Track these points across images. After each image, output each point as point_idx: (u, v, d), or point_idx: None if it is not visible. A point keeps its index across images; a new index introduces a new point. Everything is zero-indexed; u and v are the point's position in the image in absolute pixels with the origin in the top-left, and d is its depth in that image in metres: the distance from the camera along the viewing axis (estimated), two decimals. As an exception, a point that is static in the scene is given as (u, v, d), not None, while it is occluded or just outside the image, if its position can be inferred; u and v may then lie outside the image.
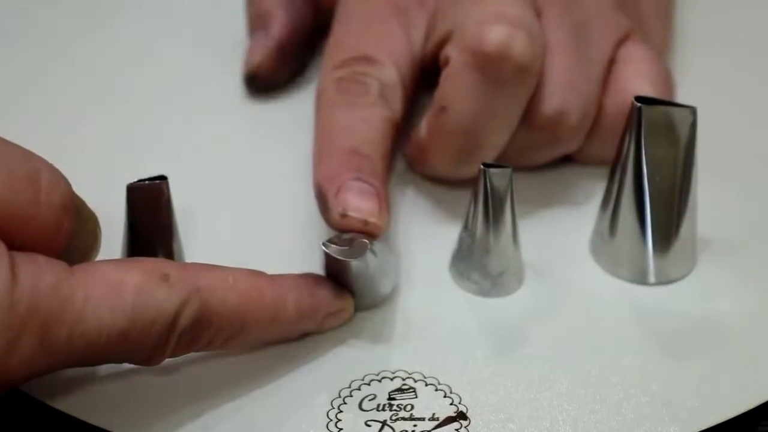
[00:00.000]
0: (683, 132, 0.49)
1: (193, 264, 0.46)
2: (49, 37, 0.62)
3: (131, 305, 0.43)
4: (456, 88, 0.51)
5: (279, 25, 0.58)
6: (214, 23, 0.63)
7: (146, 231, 0.48)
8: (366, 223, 0.48)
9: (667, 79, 0.55)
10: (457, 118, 0.51)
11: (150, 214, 0.48)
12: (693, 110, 0.48)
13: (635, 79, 0.54)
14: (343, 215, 0.48)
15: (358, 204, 0.48)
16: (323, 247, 0.47)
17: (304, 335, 0.49)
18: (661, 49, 0.58)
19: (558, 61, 0.52)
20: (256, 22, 0.59)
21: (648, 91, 0.53)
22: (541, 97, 0.52)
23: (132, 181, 0.47)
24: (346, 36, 0.55)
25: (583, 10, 0.54)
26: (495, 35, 0.50)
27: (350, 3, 0.56)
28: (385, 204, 0.49)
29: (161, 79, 0.60)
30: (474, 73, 0.50)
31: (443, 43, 0.52)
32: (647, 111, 0.48)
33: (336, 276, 0.48)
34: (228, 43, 0.61)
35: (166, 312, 0.43)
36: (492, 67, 0.50)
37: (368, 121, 0.52)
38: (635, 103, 0.49)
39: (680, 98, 0.49)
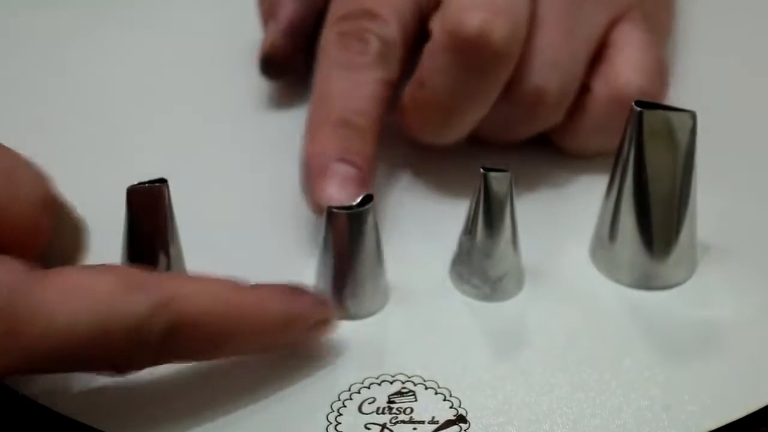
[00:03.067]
0: (683, 137, 0.49)
1: (171, 273, 0.46)
2: (49, 38, 0.62)
3: (100, 309, 0.42)
4: (433, 66, 0.52)
5: (288, 9, 0.58)
6: (224, 27, 0.63)
7: (146, 234, 0.48)
8: None
9: (659, 70, 0.54)
10: (432, 94, 0.52)
11: (150, 217, 0.47)
12: (693, 115, 0.48)
13: (626, 69, 0.54)
14: (317, 204, 0.50)
15: (338, 197, 0.50)
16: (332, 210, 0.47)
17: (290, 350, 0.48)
18: (662, 33, 0.58)
19: (544, 37, 0.52)
20: (267, 13, 0.59)
21: (638, 83, 0.53)
22: (522, 73, 0.52)
23: (132, 184, 0.47)
24: None
25: None
26: (474, 21, 0.50)
27: None
28: (367, 186, 0.50)
29: (167, 82, 0.60)
30: (451, 55, 0.51)
31: (437, 6, 0.52)
32: (647, 116, 0.48)
33: (341, 246, 0.48)
34: (237, 47, 0.61)
35: (136, 317, 0.42)
36: (468, 53, 0.50)
37: (363, 86, 0.52)
38: (635, 107, 0.48)
39: (679, 101, 0.49)
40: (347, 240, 0.48)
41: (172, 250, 0.48)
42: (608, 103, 0.53)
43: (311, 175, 0.51)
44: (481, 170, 0.48)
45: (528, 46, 0.52)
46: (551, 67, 0.52)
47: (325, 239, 0.49)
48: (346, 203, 0.48)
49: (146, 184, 0.47)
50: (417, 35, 0.54)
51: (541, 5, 0.53)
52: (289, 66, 0.58)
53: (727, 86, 0.61)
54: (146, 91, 0.60)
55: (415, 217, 0.54)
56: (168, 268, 0.48)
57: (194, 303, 0.44)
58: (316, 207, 0.50)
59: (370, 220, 0.48)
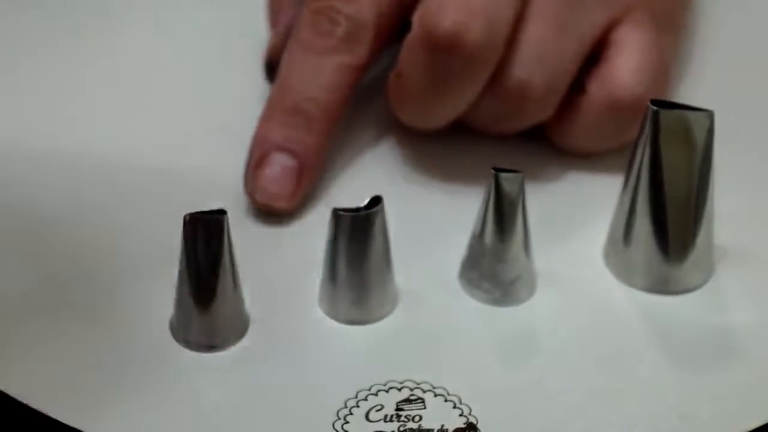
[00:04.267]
0: (700, 137, 0.48)
1: None
2: (49, 38, 0.62)
3: None
4: (410, 59, 0.53)
5: (289, 15, 0.58)
6: (233, 27, 0.63)
7: (203, 263, 0.47)
8: (270, 206, 0.52)
9: (658, 73, 0.54)
10: (408, 86, 0.53)
11: (208, 246, 0.47)
12: (710, 114, 0.48)
13: (623, 72, 0.53)
14: (252, 194, 0.52)
15: (271, 188, 0.52)
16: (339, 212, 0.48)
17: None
18: (675, 32, 0.58)
19: (533, 32, 0.53)
20: (272, 18, 0.60)
21: (634, 87, 0.53)
22: (507, 67, 0.52)
23: (191, 212, 0.46)
24: None
25: None
26: (448, 22, 0.51)
27: None
28: (305, 179, 0.52)
29: (173, 83, 0.60)
30: (425, 52, 0.52)
31: None
32: (663, 115, 0.48)
33: (347, 250, 0.48)
34: (246, 47, 0.61)
35: None
36: (442, 53, 0.51)
37: (323, 72, 0.53)
38: (651, 107, 0.48)
39: (696, 100, 0.49)
40: (354, 243, 0.48)
41: (229, 283, 0.48)
42: (603, 105, 0.53)
43: (250, 162, 0.53)
44: (492, 171, 0.48)
45: (515, 40, 0.52)
46: (537, 61, 0.52)
47: (332, 242, 0.48)
48: (272, 196, 0.49)
49: (205, 213, 0.46)
50: (397, 21, 0.54)
51: (530, 5, 0.53)
52: None
53: (745, 85, 0.60)
54: (149, 92, 0.60)
55: (424, 220, 0.54)
56: (225, 298, 0.48)
57: None
58: (250, 197, 0.52)
59: (378, 222, 0.48)
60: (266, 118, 0.53)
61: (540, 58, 0.52)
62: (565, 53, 0.53)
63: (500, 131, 0.55)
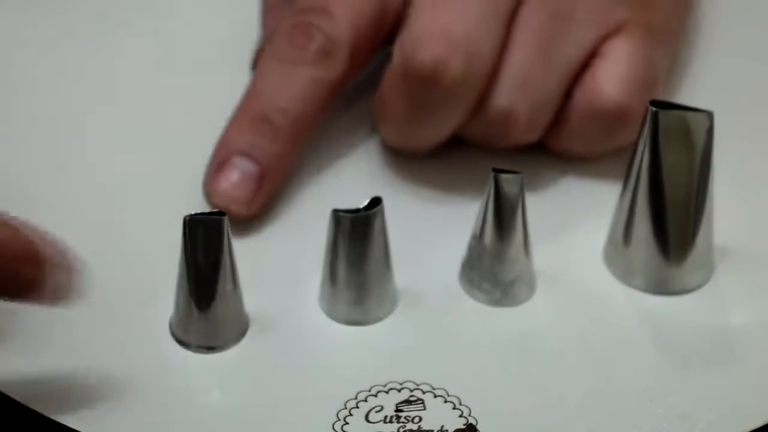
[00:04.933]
0: (699, 137, 0.48)
1: None
2: (49, 38, 0.62)
3: None
4: (390, 89, 0.53)
5: (278, 17, 0.58)
6: (229, 27, 0.62)
7: (203, 265, 0.47)
8: (227, 209, 0.49)
9: (642, 84, 0.53)
10: (390, 114, 0.53)
11: (207, 248, 0.47)
12: (709, 115, 0.48)
13: (606, 82, 0.53)
14: (209, 195, 0.52)
15: (229, 191, 0.51)
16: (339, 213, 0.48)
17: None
18: (671, 40, 0.57)
19: (517, 58, 0.52)
20: (264, 22, 0.59)
21: (616, 97, 0.53)
22: (490, 94, 0.52)
23: (190, 214, 0.46)
24: None
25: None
26: (427, 57, 0.51)
27: None
28: (266, 185, 0.52)
29: (170, 83, 0.60)
30: (404, 84, 0.52)
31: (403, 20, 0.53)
32: (663, 116, 0.48)
33: (347, 251, 0.48)
34: (241, 47, 0.60)
35: None
36: (420, 87, 0.51)
37: (294, 84, 0.53)
38: (651, 107, 0.48)
39: (696, 102, 0.49)
40: (353, 244, 0.48)
41: (229, 284, 0.48)
42: (586, 114, 0.53)
43: (211, 164, 0.52)
44: (492, 172, 0.48)
45: (498, 67, 0.52)
46: (520, 90, 0.52)
47: (332, 243, 0.48)
48: (230, 199, 0.49)
49: (205, 214, 0.46)
50: (376, 40, 0.54)
51: (520, 24, 0.53)
52: None
53: (745, 86, 0.60)
54: (147, 92, 0.59)
55: (424, 221, 0.54)
56: (225, 299, 0.48)
57: None
58: (207, 198, 0.52)
59: (377, 224, 0.48)
60: (233, 123, 0.53)
61: (523, 85, 0.52)
62: (550, 78, 0.53)
63: (490, 148, 0.55)
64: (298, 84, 0.53)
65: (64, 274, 0.44)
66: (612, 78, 0.53)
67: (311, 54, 0.53)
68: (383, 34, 0.54)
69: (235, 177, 0.52)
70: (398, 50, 0.52)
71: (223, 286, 0.48)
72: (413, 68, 0.51)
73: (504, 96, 0.52)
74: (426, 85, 0.51)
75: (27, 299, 0.44)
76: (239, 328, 0.49)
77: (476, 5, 0.52)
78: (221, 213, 0.46)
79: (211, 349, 0.48)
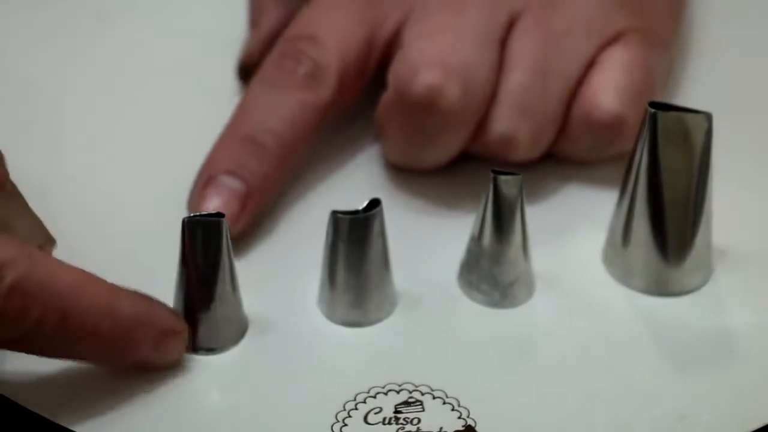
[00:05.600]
0: (698, 138, 0.48)
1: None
2: (49, 38, 0.62)
3: None
4: (386, 117, 0.53)
5: (270, 18, 0.58)
6: (209, 23, 0.63)
7: (201, 267, 0.47)
8: None
9: (639, 93, 0.53)
10: (389, 140, 0.54)
11: (206, 249, 0.47)
12: (708, 116, 0.48)
13: (601, 91, 0.53)
14: (195, 213, 0.50)
15: (214, 209, 0.50)
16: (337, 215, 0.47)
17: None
18: (668, 43, 0.57)
19: (514, 80, 0.52)
20: (252, 17, 0.60)
21: (610, 107, 0.52)
22: (490, 119, 0.52)
23: (189, 215, 0.47)
24: (306, 15, 0.55)
25: (568, 13, 0.53)
26: (422, 86, 0.51)
27: None
28: (252, 204, 0.51)
29: (157, 80, 0.60)
30: (400, 113, 0.52)
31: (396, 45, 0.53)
32: (662, 117, 0.48)
33: (345, 253, 0.48)
34: (227, 43, 0.60)
35: None
36: (416, 115, 0.51)
37: (282, 106, 0.53)
38: (649, 109, 0.48)
39: (694, 103, 0.49)
40: (352, 246, 0.48)
41: (228, 285, 0.48)
42: (582, 123, 0.53)
43: (198, 181, 0.52)
44: (491, 173, 0.48)
45: (497, 90, 0.52)
46: (520, 113, 0.52)
47: (331, 244, 0.48)
48: (227, 216, 0.48)
49: (204, 216, 0.46)
50: (366, 67, 0.54)
51: (515, 45, 0.52)
52: None
53: (743, 87, 0.60)
54: (141, 89, 0.60)
55: (423, 222, 0.54)
56: (223, 300, 0.48)
57: (50, 268, 0.44)
58: (189, 211, 0.51)
59: (376, 225, 0.48)
60: (220, 143, 0.53)
61: (523, 109, 0.52)
62: (549, 99, 0.52)
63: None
64: (286, 107, 0.53)
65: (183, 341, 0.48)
66: (609, 88, 0.53)
67: (299, 78, 0.53)
68: (373, 63, 0.54)
69: (221, 195, 0.51)
70: (393, 79, 0.52)
71: (222, 287, 0.48)
72: (408, 97, 0.51)
73: (504, 121, 0.52)
74: (422, 114, 0.51)
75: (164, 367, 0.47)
76: (238, 330, 0.49)
77: (469, 30, 0.52)
78: (220, 215, 0.46)
79: (210, 350, 0.48)
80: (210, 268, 0.47)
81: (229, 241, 0.47)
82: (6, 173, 0.47)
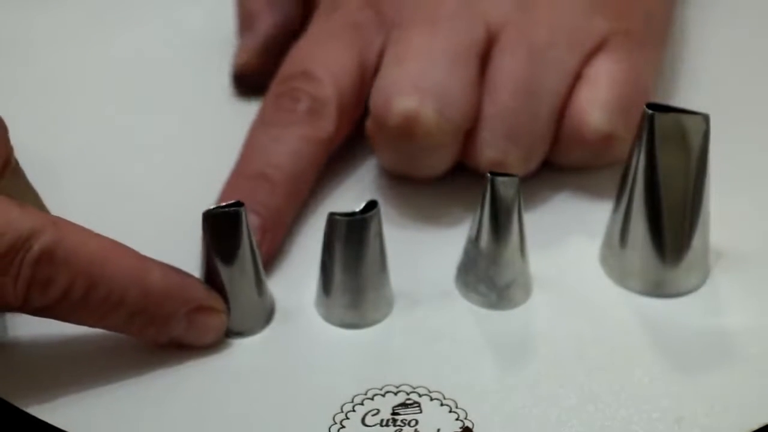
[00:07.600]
0: (696, 140, 0.48)
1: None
2: (49, 38, 0.62)
3: None
4: (372, 140, 0.53)
5: (265, 24, 0.58)
6: (203, 26, 0.63)
7: (224, 258, 0.47)
8: None
9: (628, 106, 0.52)
10: (380, 158, 0.54)
11: (227, 240, 0.47)
12: (706, 118, 0.48)
13: (590, 110, 0.52)
14: None
15: None
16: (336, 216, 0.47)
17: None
18: (657, 45, 0.57)
19: (499, 103, 0.52)
20: (244, 22, 0.59)
21: (600, 127, 0.52)
22: (479, 144, 0.52)
23: (209, 208, 0.47)
24: (297, 51, 0.55)
25: (549, 23, 0.53)
26: (396, 113, 0.51)
27: (315, 20, 0.56)
28: (269, 237, 0.51)
29: (150, 82, 0.60)
30: (382, 139, 0.52)
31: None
32: (659, 118, 0.48)
33: (343, 254, 0.48)
34: (218, 45, 0.61)
35: (18, 230, 0.43)
36: (396, 140, 0.51)
37: (286, 142, 0.52)
38: (647, 110, 0.48)
39: (691, 105, 0.49)
40: (350, 247, 0.48)
41: (248, 275, 0.48)
42: (572, 140, 0.53)
43: None
44: (488, 174, 0.48)
45: (482, 115, 0.52)
46: (509, 138, 0.52)
47: (328, 246, 0.48)
48: None
49: (223, 208, 0.47)
50: (361, 97, 0.54)
51: (496, 65, 0.52)
52: (262, 82, 0.57)
53: (741, 88, 0.60)
54: (136, 91, 0.60)
55: (420, 224, 0.54)
56: (241, 289, 0.48)
57: (77, 235, 0.44)
58: None
59: (373, 227, 0.48)
60: (229, 184, 0.52)
61: (511, 133, 0.51)
62: (537, 119, 0.52)
63: None
64: (290, 142, 0.52)
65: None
66: (596, 107, 0.52)
67: (300, 114, 0.53)
68: (367, 89, 0.54)
69: None
70: (371, 107, 0.52)
71: (243, 279, 0.48)
72: (386, 125, 0.51)
73: (493, 147, 0.52)
74: (401, 139, 0.51)
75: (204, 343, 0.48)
76: (265, 317, 0.49)
77: (444, 49, 0.51)
78: (239, 203, 0.46)
79: (239, 334, 0.49)
80: (230, 259, 0.47)
81: (249, 229, 0.47)
82: (11, 148, 0.47)
